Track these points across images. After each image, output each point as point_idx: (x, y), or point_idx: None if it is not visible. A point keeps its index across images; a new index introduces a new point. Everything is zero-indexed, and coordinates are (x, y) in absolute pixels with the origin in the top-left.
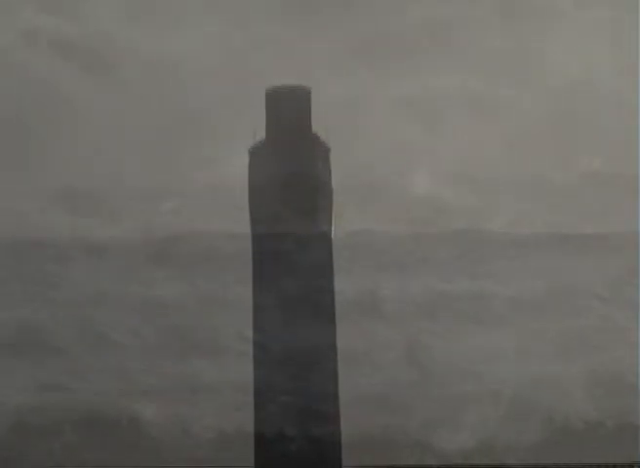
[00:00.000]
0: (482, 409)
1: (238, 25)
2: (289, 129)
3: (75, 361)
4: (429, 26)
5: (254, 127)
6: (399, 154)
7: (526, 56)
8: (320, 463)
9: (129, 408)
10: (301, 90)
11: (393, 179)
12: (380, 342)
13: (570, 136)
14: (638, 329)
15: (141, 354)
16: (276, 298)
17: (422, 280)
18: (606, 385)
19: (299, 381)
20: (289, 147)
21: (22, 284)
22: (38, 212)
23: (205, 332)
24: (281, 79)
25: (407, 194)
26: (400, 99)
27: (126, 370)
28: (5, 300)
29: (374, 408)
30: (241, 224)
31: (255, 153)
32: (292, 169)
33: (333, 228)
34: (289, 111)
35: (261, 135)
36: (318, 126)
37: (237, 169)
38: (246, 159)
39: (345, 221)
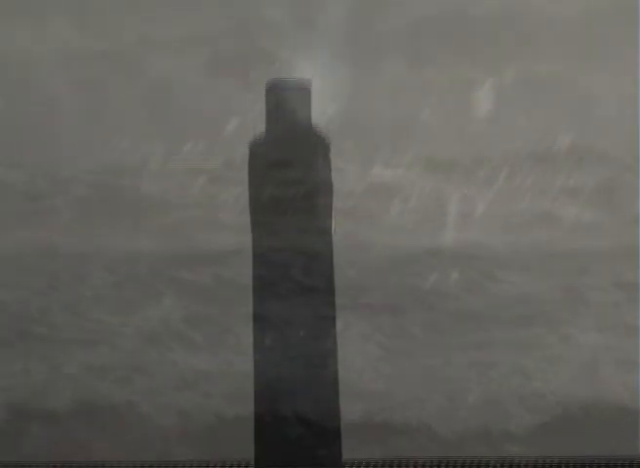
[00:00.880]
0: None
1: None
2: (289, 123)
3: None
4: None
5: (254, 121)
6: None
7: None
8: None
9: None
10: (302, 83)
11: None
12: None
13: None
14: None
15: None
16: (274, 307)
17: None
18: None
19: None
20: (288, 142)
21: None
22: None
23: None
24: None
25: None
26: None
27: None
28: None
29: None
30: None
31: (254, 147)
32: (292, 164)
33: (333, 225)
34: (289, 105)
35: (262, 129)
36: (318, 120)
37: None
38: None
39: None
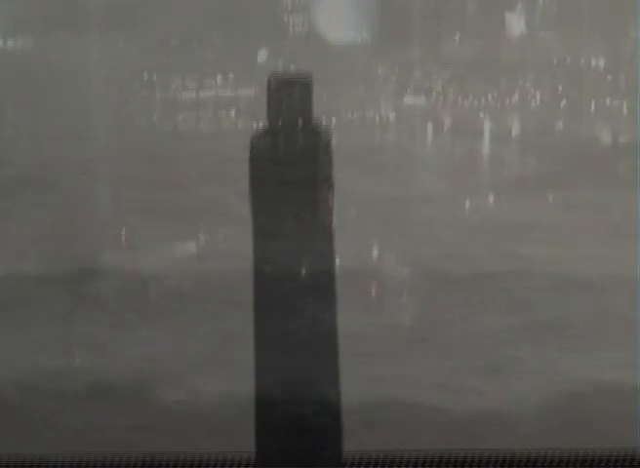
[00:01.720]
0: None
1: None
2: (290, 117)
3: None
4: None
5: (255, 115)
6: None
7: None
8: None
9: None
10: (303, 77)
11: None
12: None
13: None
14: None
15: None
16: (277, 299)
17: None
18: None
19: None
20: (290, 136)
21: None
22: None
23: None
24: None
25: None
26: None
27: None
28: None
29: None
30: None
31: (256, 141)
32: (293, 158)
33: (334, 220)
34: (291, 99)
35: (263, 123)
36: (320, 114)
37: None
38: None
39: None
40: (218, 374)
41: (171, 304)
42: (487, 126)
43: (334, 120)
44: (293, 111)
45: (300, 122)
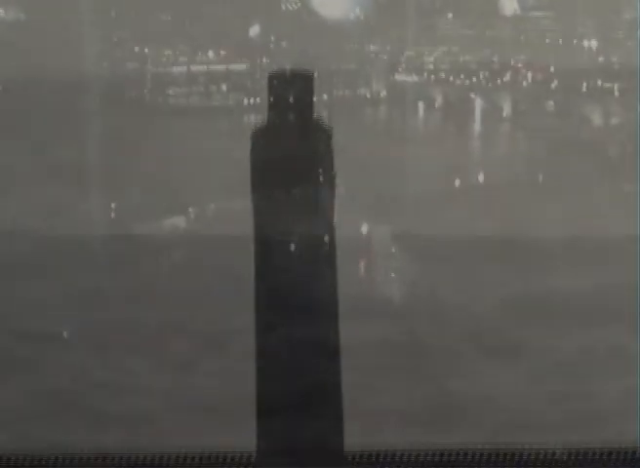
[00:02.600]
0: None
1: None
2: (291, 112)
3: None
4: None
5: (256, 110)
6: None
7: None
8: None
9: None
10: (305, 73)
11: None
12: None
13: None
14: None
15: None
16: (276, 287)
17: None
18: None
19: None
20: (291, 131)
21: None
22: None
23: None
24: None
25: None
26: None
27: None
28: None
29: None
30: None
31: (257, 136)
32: (294, 153)
33: (335, 214)
34: (291, 95)
35: (264, 117)
36: (320, 110)
37: None
38: None
39: None
40: None
41: None
42: (478, 104)
43: (325, 97)
44: (294, 107)
45: (302, 118)
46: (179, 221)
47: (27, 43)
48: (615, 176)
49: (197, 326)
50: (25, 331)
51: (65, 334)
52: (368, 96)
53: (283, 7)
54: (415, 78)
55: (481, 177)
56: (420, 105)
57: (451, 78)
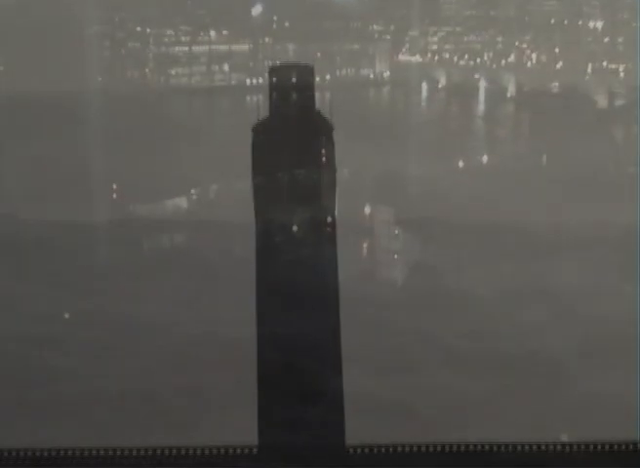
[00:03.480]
0: None
1: None
2: (292, 107)
3: None
4: None
5: (257, 104)
6: None
7: None
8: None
9: None
10: (305, 67)
11: None
12: None
13: None
14: None
15: None
16: (279, 289)
17: None
18: None
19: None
20: (292, 125)
21: None
22: None
23: None
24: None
25: None
26: None
27: None
28: None
29: None
30: None
31: (258, 131)
32: (295, 147)
33: (336, 206)
34: (292, 89)
35: (265, 112)
36: (321, 104)
37: None
38: None
39: None
40: None
41: None
42: (482, 85)
43: (328, 77)
44: (294, 100)
45: (302, 110)
46: (180, 203)
47: (28, 23)
48: (620, 160)
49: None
50: None
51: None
52: (371, 76)
53: None
54: (418, 59)
55: (485, 159)
56: (424, 86)
57: (455, 59)
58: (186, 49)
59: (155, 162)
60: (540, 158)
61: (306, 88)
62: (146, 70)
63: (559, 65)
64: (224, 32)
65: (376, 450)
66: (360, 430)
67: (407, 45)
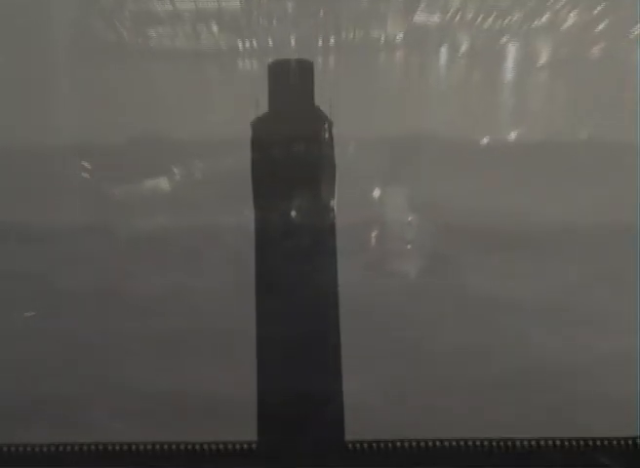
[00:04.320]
0: None
1: None
2: (291, 102)
3: None
4: None
5: (256, 99)
6: None
7: None
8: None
9: None
10: (304, 63)
11: None
12: None
13: None
14: None
15: None
16: (278, 282)
17: None
18: None
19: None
20: (291, 121)
21: None
22: None
23: None
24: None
25: None
26: None
27: None
28: None
29: None
30: None
31: (257, 126)
32: (294, 142)
33: (335, 201)
34: (291, 84)
35: (264, 108)
36: (321, 99)
37: None
38: None
39: None
40: None
41: None
42: (511, 51)
43: (332, 40)
44: (294, 97)
45: (302, 106)
46: (161, 183)
47: None
48: None
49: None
50: None
51: None
52: (382, 39)
53: None
54: (437, 19)
55: (513, 136)
56: (443, 51)
57: (479, 19)
58: (169, 6)
59: (131, 137)
60: (576, 131)
61: (305, 83)
62: (122, 31)
63: (599, 28)
64: None
65: (375, 447)
66: (361, 426)
67: (424, 3)
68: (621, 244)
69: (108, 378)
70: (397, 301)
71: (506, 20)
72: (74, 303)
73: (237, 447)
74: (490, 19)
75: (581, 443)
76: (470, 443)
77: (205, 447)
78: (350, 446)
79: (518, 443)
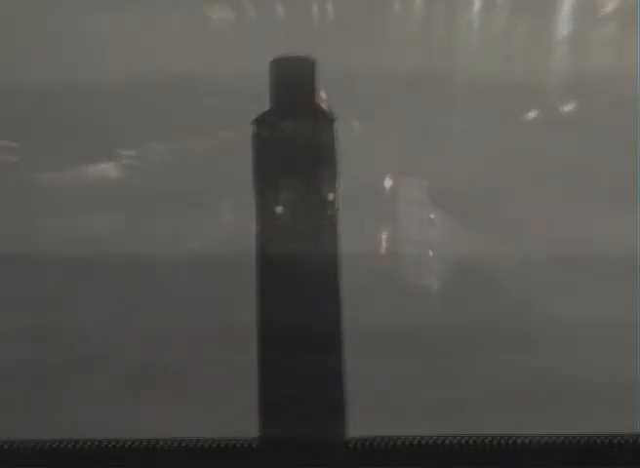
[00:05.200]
0: None
1: None
2: (293, 99)
3: None
4: None
5: (258, 96)
6: None
7: None
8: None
9: None
10: (306, 60)
11: None
12: None
13: None
14: None
15: None
16: (282, 280)
17: None
18: None
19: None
20: (293, 118)
21: None
22: None
23: None
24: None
25: None
26: None
27: None
28: None
29: None
30: None
31: (259, 123)
32: (296, 139)
33: (337, 199)
34: (293, 82)
35: (265, 105)
36: (323, 97)
37: None
38: None
39: None
40: None
41: None
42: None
43: None
44: (296, 94)
45: (304, 104)
46: (107, 169)
47: None
48: None
49: None
50: None
51: None
52: None
53: None
54: None
55: (571, 108)
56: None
57: None
58: None
59: (70, 111)
60: None
61: (308, 81)
62: None
63: None
64: None
65: (376, 444)
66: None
67: None
68: None
69: None
70: None
71: None
72: None
73: (238, 444)
74: None
75: (582, 440)
76: (471, 441)
77: (205, 444)
78: (351, 443)
79: (521, 438)
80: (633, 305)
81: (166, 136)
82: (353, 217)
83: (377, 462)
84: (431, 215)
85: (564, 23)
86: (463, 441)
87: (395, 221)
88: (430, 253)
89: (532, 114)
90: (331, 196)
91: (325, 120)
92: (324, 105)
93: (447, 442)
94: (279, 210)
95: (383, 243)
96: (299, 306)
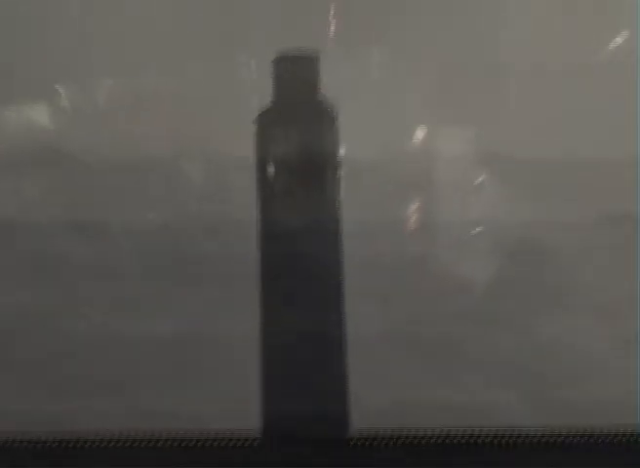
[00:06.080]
0: None
1: None
2: (296, 96)
3: None
4: None
5: (260, 94)
6: None
7: None
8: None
9: None
10: (310, 56)
11: None
12: None
13: None
14: None
15: None
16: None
17: None
18: None
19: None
20: (295, 115)
21: None
22: None
23: None
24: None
25: None
26: None
27: None
28: None
29: None
30: None
31: (261, 121)
32: (298, 138)
33: (340, 198)
34: (296, 78)
35: (267, 102)
36: (325, 94)
37: None
38: None
39: None
40: None
41: None
42: None
43: None
44: (299, 89)
45: (307, 99)
46: (38, 114)
47: None
48: None
49: None
50: None
51: None
52: None
53: None
54: None
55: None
56: None
57: None
58: None
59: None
60: None
61: (311, 78)
62: None
63: None
64: None
65: (380, 439)
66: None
67: None
68: None
69: None
70: None
71: None
72: None
73: (239, 443)
74: None
75: (582, 440)
76: (466, 435)
77: (207, 443)
78: (355, 438)
79: (523, 433)
80: None
81: None
82: (374, 184)
83: (379, 460)
84: (479, 179)
85: None
86: (464, 439)
87: (429, 188)
88: (476, 229)
89: None
90: (334, 196)
91: (327, 118)
92: (326, 102)
93: (448, 441)
94: (279, 207)
95: (413, 217)
96: (300, 304)
